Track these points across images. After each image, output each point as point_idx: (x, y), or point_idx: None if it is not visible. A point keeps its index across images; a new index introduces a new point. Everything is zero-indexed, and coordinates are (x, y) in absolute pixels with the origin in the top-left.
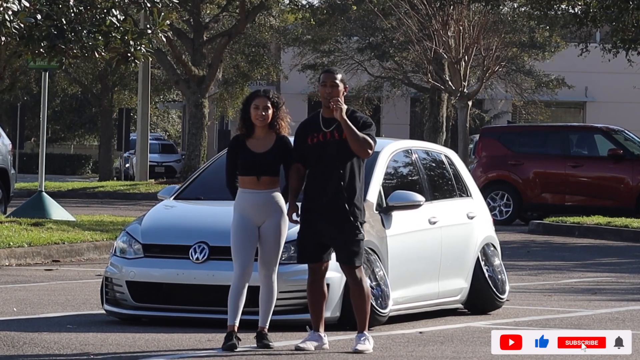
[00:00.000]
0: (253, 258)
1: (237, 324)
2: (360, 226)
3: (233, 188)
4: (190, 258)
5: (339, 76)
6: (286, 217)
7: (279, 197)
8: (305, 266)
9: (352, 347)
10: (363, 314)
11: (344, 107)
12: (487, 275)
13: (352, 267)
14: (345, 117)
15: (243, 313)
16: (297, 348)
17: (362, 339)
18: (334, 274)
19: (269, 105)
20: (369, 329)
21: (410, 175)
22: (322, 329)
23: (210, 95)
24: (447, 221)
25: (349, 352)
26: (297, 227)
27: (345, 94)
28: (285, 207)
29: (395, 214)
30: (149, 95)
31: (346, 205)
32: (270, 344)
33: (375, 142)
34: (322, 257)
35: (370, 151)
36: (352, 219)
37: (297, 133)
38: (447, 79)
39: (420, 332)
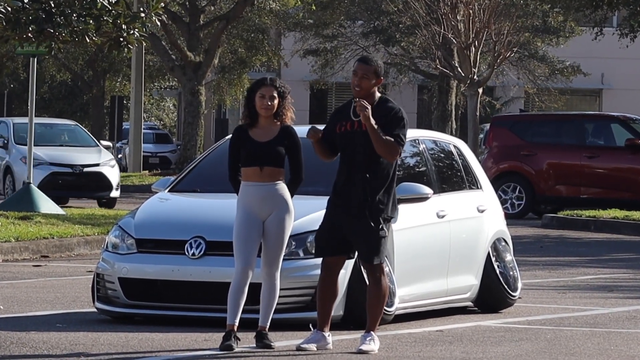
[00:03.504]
0: (256, 254)
1: (236, 323)
2: (383, 222)
3: (236, 182)
4: (186, 253)
5: (373, 68)
6: (292, 211)
7: (284, 189)
8: (308, 262)
9: (356, 347)
10: (375, 313)
11: (369, 109)
12: (498, 271)
13: (370, 264)
14: (370, 120)
15: (242, 311)
16: (299, 348)
17: (367, 338)
18: None
19: (275, 94)
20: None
21: (418, 167)
22: (327, 328)
23: (207, 83)
24: (456, 215)
25: (353, 353)
26: (300, 221)
27: (379, 85)
28: (290, 201)
29: (402, 207)
30: (143, 82)
31: (369, 200)
32: (271, 344)
33: (403, 143)
34: (340, 251)
35: (396, 156)
36: (375, 214)
37: (330, 119)
38: (456, 65)
39: (440, 331)
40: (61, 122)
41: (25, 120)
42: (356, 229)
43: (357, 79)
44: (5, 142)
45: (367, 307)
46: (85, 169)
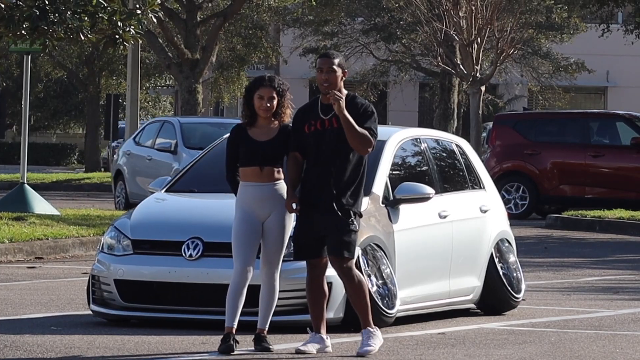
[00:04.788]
0: (255, 255)
1: (235, 325)
2: (353, 216)
3: (234, 182)
4: (183, 255)
5: (337, 60)
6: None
7: (283, 189)
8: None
9: (357, 349)
10: (362, 309)
11: (343, 99)
12: (501, 273)
13: (340, 259)
14: (344, 111)
15: (241, 314)
16: (298, 351)
17: (365, 337)
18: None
19: (274, 95)
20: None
21: (419, 166)
22: (323, 330)
23: (204, 80)
24: (458, 215)
25: (353, 356)
26: None
27: (344, 78)
28: None
29: (403, 208)
30: (139, 80)
31: (341, 196)
32: (270, 346)
33: (375, 136)
34: (321, 252)
35: (369, 149)
36: (345, 208)
37: (295, 120)
38: (459, 62)
39: (442, 333)
40: (234, 122)
41: (195, 119)
42: (327, 225)
43: (324, 74)
44: (174, 146)
45: (352, 305)
46: None
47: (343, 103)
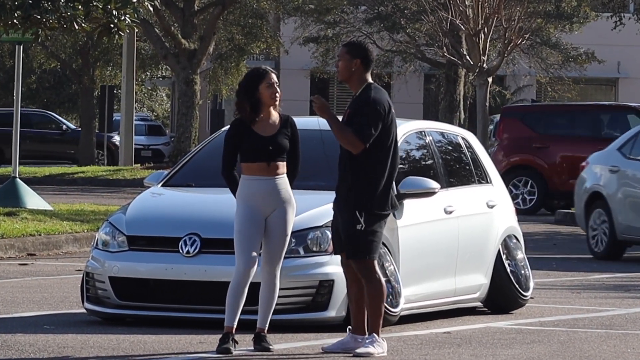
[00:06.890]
0: (258, 253)
1: (235, 325)
2: (360, 216)
3: (231, 179)
4: (180, 251)
5: (345, 49)
6: (294, 207)
7: (287, 183)
8: (309, 260)
9: (356, 348)
10: (372, 312)
11: (322, 101)
12: (509, 270)
13: (353, 261)
14: (324, 113)
15: (240, 312)
16: (325, 350)
17: (367, 341)
18: (338, 269)
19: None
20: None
21: (424, 160)
22: (360, 330)
23: (202, 71)
24: (464, 210)
25: (350, 356)
26: (300, 217)
27: (361, 65)
28: (293, 196)
29: (407, 203)
30: (135, 71)
31: (349, 192)
32: (270, 346)
33: (364, 135)
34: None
35: (357, 148)
36: (353, 207)
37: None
38: (465, 53)
39: (448, 333)
40: None
41: None
42: (340, 223)
43: (337, 63)
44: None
45: (365, 307)
46: None
47: (319, 104)
